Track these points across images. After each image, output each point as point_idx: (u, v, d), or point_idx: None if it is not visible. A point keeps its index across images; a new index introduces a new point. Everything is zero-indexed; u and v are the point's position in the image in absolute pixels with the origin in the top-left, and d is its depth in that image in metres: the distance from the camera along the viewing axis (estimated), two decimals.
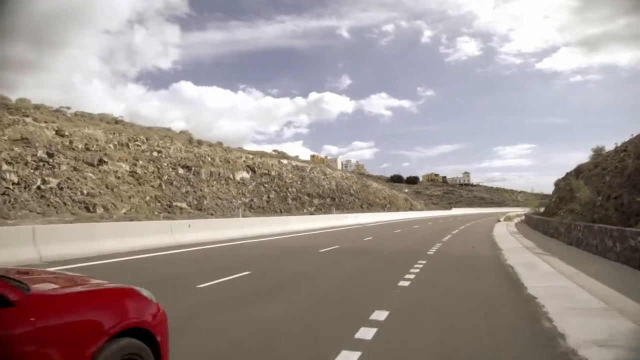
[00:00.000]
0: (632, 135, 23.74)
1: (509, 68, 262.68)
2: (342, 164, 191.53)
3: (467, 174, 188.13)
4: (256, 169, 48.99)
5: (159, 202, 32.85)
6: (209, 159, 42.56)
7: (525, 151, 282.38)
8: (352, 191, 65.05)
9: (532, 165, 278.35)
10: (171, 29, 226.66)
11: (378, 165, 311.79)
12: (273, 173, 51.54)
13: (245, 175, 47.18)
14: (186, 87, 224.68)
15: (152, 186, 33.91)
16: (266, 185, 49.01)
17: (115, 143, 32.99)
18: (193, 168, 39.38)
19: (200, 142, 43.44)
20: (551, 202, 35.39)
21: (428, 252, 13.66)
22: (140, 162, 34.19)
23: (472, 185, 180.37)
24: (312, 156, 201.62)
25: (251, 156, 49.95)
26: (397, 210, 72.70)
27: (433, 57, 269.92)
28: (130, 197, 30.39)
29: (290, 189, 52.10)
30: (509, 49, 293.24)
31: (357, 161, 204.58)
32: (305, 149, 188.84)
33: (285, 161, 55.84)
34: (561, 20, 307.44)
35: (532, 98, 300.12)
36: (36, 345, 1.78)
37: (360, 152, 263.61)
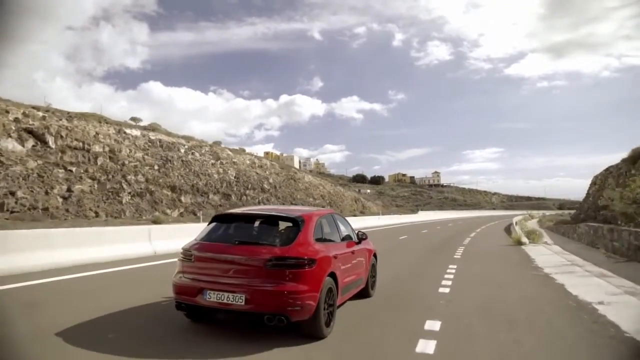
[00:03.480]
0: None
1: (478, 73, 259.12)
2: (299, 162, 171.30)
3: (437, 173, 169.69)
4: (49, 137, 26.05)
5: None
6: None
7: (493, 155, 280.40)
8: (266, 185, 42.76)
9: (500, 169, 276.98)
10: (139, 27, 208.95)
11: (349, 168, 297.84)
12: (97, 149, 28.68)
13: (15, 146, 24.21)
14: (155, 87, 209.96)
15: None
16: (72, 169, 26.15)
17: None
18: None
19: None
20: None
21: None
22: None
23: (442, 186, 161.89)
24: (266, 153, 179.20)
25: (40, 114, 26.89)
26: (342, 212, 51.08)
27: (404, 60, 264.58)
28: None
29: (132, 177, 29.39)
30: (479, 54, 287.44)
31: (316, 159, 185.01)
32: (276, 151, 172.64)
33: (135, 132, 32.98)
34: (529, 27, 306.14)
35: (500, 103, 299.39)
36: (366, 250, 6.58)
37: (332, 155, 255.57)
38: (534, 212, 62.54)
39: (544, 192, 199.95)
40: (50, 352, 4.04)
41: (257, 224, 5.10)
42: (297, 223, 4.84)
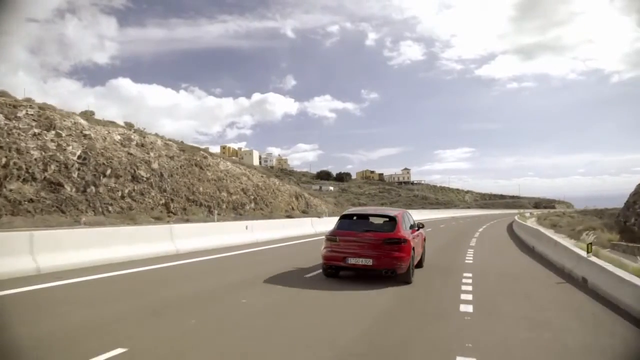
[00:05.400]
0: None
1: (450, 73, 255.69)
2: (260, 157, 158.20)
3: (407, 170, 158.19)
4: None
5: None
6: None
7: (464, 155, 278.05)
8: (143, 172, 28.43)
9: (471, 169, 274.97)
10: (107, 21, 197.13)
11: (322, 167, 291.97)
12: None
13: None
14: (125, 84, 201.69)
15: None
16: None
17: None
18: None
19: None
20: None
21: None
22: None
23: (412, 183, 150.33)
24: (223, 147, 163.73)
25: None
26: (271, 213, 37.29)
27: (377, 60, 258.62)
28: None
29: None
30: (451, 54, 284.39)
31: (279, 154, 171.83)
32: (248, 149, 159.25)
33: None
34: (500, 29, 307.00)
35: (471, 103, 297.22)
36: (422, 235, 9.77)
37: (304, 154, 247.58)
38: (525, 211, 50.82)
39: (518, 191, 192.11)
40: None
41: (369, 219, 8.72)
42: (393, 219, 8.25)
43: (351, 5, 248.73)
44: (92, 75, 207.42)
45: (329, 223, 23.41)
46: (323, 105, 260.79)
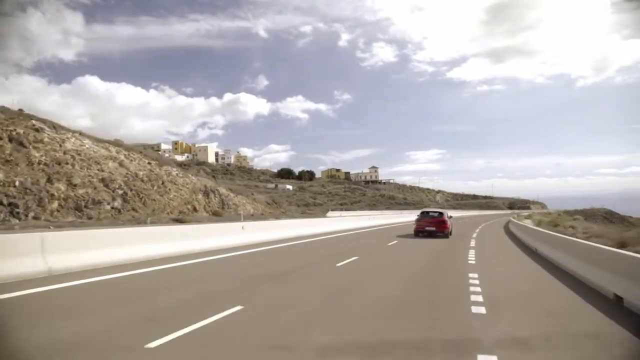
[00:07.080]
0: None
1: (422, 75, 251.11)
2: (216, 153, 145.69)
3: (374, 168, 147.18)
4: None
5: None
6: None
7: (435, 156, 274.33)
8: None
9: (442, 170, 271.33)
10: (73, 16, 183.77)
11: (294, 168, 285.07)
12: None
13: None
14: (92, 81, 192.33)
15: None
16: None
17: None
18: None
19: None
20: None
21: None
22: None
23: (380, 182, 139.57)
24: (175, 142, 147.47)
25: None
26: (150, 215, 24.62)
27: (350, 61, 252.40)
28: None
29: None
30: (423, 57, 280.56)
31: (238, 151, 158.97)
32: (203, 145, 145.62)
33: None
34: (471, 32, 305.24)
35: (443, 105, 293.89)
36: (450, 221, 22.32)
37: (277, 155, 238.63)
38: (513, 212, 40.45)
39: (492, 191, 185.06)
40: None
41: (430, 213, 22.84)
42: (442, 213, 22.36)
43: (323, 6, 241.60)
44: (58, 73, 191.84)
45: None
46: (295, 106, 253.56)
